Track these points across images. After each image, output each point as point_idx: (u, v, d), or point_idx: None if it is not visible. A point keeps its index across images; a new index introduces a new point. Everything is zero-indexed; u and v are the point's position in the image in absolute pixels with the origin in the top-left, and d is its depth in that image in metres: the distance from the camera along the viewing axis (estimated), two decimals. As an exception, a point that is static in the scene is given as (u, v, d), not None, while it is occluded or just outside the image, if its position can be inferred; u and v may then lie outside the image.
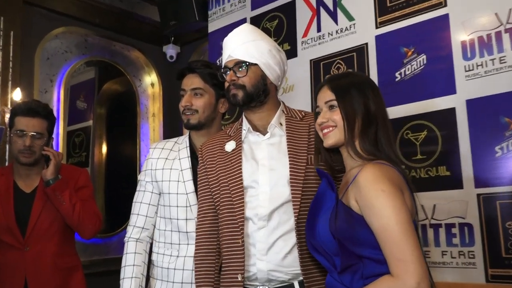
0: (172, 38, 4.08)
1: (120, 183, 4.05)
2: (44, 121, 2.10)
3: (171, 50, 4.10)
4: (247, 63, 1.59)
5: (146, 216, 1.87)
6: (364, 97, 1.35)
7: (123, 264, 1.83)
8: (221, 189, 1.59)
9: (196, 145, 1.88)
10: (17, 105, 2.27)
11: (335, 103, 1.35)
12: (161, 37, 4.09)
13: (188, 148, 1.90)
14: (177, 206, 1.82)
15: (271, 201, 1.52)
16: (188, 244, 1.79)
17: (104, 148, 4.15)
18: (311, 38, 2.90)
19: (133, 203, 1.91)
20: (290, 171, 1.52)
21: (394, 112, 2.34)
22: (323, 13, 2.86)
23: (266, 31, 3.17)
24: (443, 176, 2.27)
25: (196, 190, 1.77)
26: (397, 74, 2.50)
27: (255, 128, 1.63)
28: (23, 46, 3.21)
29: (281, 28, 3.07)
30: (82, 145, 4.02)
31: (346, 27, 2.73)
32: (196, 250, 1.65)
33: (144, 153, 4.04)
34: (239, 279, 1.48)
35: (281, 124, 1.63)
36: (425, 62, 2.42)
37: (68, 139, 3.84)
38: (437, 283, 2.13)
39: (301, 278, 1.49)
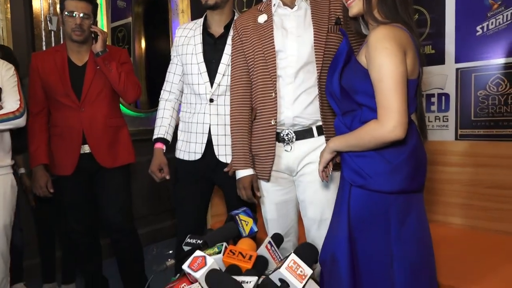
0: None
1: (157, 71, 4.13)
2: (89, 4, 2.13)
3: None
4: None
5: (172, 82, 2.05)
6: None
7: (156, 116, 2.08)
8: (255, 54, 1.68)
9: (210, 23, 1.95)
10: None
11: None
12: None
13: (201, 27, 1.96)
14: (192, 74, 1.94)
15: (297, 61, 1.61)
16: (200, 103, 1.92)
17: (143, 42, 4.19)
18: None
19: (167, 73, 2.07)
20: (314, 37, 1.60)
21: None
22: None
23: None
24: (429, 53, 2.27)
25: (204, 60, 1.90)
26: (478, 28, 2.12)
27: (284, 3, 1.66)
28: None
29: None
30: (124, 39, 4.06)
31: None
32: (232, 107, 1.76)
33: (176, 45, 4.05)
34: (272, 123, 1.64)
35: None
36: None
37: (112, 34, 3.88)
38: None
39: (319, 123, 1.63)
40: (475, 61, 2.10)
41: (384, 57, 1.18)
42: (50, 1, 3.04)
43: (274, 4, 1.68)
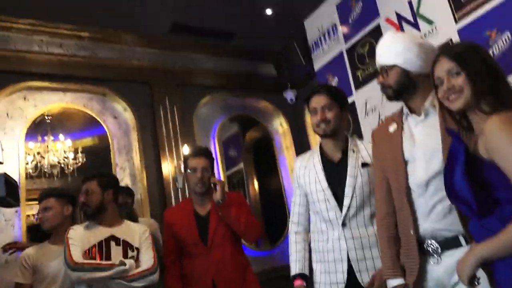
0: (289, 84, 4.31)
1: (272, 207, 4.29)
2: (207, 159, 2.41)
3: (290, 94, 4.31)
4: (386, 66, 1.66)
5: (299, 213, 2.04)
6: (480, 60, 1.27)
7: (289, 252, 2.01)
8: (388, 163, 1.65)
9: (326, 150, 2.00)
10: (187, 152, 2.64)
11: (458, 69, 1.28)
12: (280, 86, 4.33)
13: (319, 154, 2.01)
14: (318, 201, 1.93)
15: (426, 172, 1.53)
16: (333, 229, 1.87)
17: (256, 183, 4.47)
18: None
19: (291, 205, 2.10)
20: (443, 146, 1.50)
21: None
22: (405, 25, 2.85)
23: (361, 56, 3.24)
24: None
25: (330, 186, 1.90)
26: (486, 56, 2.37)
27: (412, 111, 1.64)
28: (183, 116, 3.72)
29: (372, 50, 3.10)
30: (239, 183, 4.39)
31: (428, 31, 2.68)
32: (378, 210, 1.70)
33: (286, 180, 4.25)
34: (412, 233, 1.53)
35: (434, 106, 1.57)
36: (510, 37, 2.26)
37: (228, 181, 4.25)
38: None
39: (463, 233, 1.45)
40: None
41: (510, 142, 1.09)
42: (176, 164, 3.52)
43: (404, 113, 1.66)
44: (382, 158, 1.68)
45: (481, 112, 1.24)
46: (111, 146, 3.44)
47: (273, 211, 4.27)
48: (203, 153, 2.42)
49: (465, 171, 1.18)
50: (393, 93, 1.64)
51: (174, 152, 3.53)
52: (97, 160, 3.54)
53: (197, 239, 2.30)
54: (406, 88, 1.62)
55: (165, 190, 3.42)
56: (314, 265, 1.94)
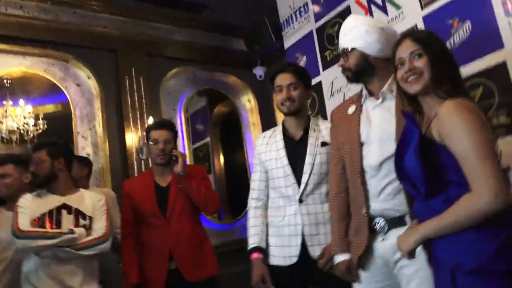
0: (259, 61, 4.31)
1: (236, 181, 4.34)
2: (170, 131, 2.40)
3: (259, 71, 4.30)
4: (347, 49, 1.69)
5: (258, 189, 2.08)
6: (441, 45, 1.31)
7: (247, 226, 2.06)
8: (344, 144, 1.70)
9: (288, 128, 2.05)
10: (150, 124, 2.62)
11: (421, 51, 1.30)
12: (250, 62, 4.32)
13: (281, 133, 2.05)
14: (278, 177, 1.98)
15: (380, 154, 1.57)
16: (290, 205, 1.93)
17: (221, 157, 4.49)
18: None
19: (251, 181, 2.14)
20: (397, 130, 1.55)
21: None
22: (374, 9, 2.87)
23: (330, 37, 3.25)
24: (505, 124, 2.14)
25: (290, 163, 1.95)
26: (447, 44, 2.43)
27: (371, 94, 1.68)
28: (150, 87, 3.65)
29: (342, 31, 3.13)
30: (205, 157, 4.39)
31: (396, 15, 2.72)
32: (331, 190, 1.77)
33: (250, 155, 4.29)
34: (363, 212, 1.59)
35: (392, 90, 1.62)
36: (470, 27, 2.33)
37: (194, 154, 4.24)
38: None
39: (409, 213, 1.52)
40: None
41: (464, 127, 1.14)
42: (140, 135, 3.48)
43: (363, 95, 1.70)
44: (340, 139, 1.73)
45: (437, 97, 1.27)
46: (73, 114, 3.35)
47: (237, 186, 4.32)
48: (166, 125, 2.40)
49: (418, 152, 1.21)
50: (352, 76, 1.68)
51: (139, 123, 3.48)
52: (59, 128, 3.44)
53: (156, 210, 2.31)
54: (365, 71, 1.65)
55: (128, 161, 3.38)
56: (270, 239, 1.99)
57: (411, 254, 1.28)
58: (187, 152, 3.99)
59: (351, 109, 1.72)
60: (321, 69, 3.31)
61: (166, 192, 2.36)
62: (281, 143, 2.02)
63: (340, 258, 1.67)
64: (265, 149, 2.06)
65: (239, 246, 3.18)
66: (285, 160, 1.97)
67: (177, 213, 2.31)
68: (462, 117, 1.15)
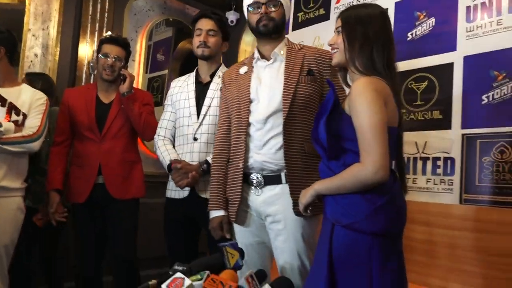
0: (234, 6, 4.22)
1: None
2: (123, 49, 2.35)
3: (232, 16, 4.24)
4: (280, 1, 1.75)
5: (166, 128, 2.20)
6: (364, 25, 1.37)
7: (158, 153, 2.15)
8: (233, 102, 1.79)
9: (200, 73, 2.19)
10: (104, 36, 2.53)
11: (340, 29, 1.41)
12: (225, 5, 4.22)
13: (194, 77, 2.18)
14: (183, 117, 2.12)
15: (267, 109, 1.69)
16: (187, 143, 2.08)
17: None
18: (342, 5, 2.95)
19: (160, 120, 2.23)
20: (284, 87, 1.68)
21: (401, 66, 2.37)
22: (352, -16, 2.90)
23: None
24: (437, 118, 2.31)
25: (196, 104, 2.10)
26: (409, 34, 2.53)
27: (263, 56, 1.79)
28: (116, 3, 3.49)
29: (318, -4, 3.14)
30: (159, 89, 4.33)
31: (371, -5, 2.76)
32: (214, 150, 1.88)
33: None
34: (240, 166, 1.69)
35: (282, 52, 1.76)
36: (433, 24, 2.43)
37: (149, 83, 4.17)
38: (420, 203, 2.25)
39: (285, 171, 1.65)
40: (481, 128, 2.12)
41: (364, 106, 1.25)
42: (95, 49, 3.35)
43: (255, 57, 1.81)
44: (229, 97, 1.82)
45: (354, 72, 1.37)
46: (27, 8, 3.14)
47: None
48: (120, 41, 2.35)
49: (326, 119, 1.33)
50: (274, 27, 1.75)
51: (96, 36, 3.34)
52: (9, 22, 3.23)
53: (93, 125, 2.31)
54: (281, 28, 1.79)
55: (76, 71, 3.27)
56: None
57: (305, 210, 1.41)
58: (140, 79, 3.91)
59: (243, 69, 1.82)
60: (290, 29, 3.33)
61: (107, 109, 2.34)
62: (192, 86, 2.16)
63: (214, 214, 1.77)
64: (178, 91, 2.19)
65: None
66: (192, 101, 2.11)
67: (113, 132, 2.32)
68: (365, 95, 1.25)
